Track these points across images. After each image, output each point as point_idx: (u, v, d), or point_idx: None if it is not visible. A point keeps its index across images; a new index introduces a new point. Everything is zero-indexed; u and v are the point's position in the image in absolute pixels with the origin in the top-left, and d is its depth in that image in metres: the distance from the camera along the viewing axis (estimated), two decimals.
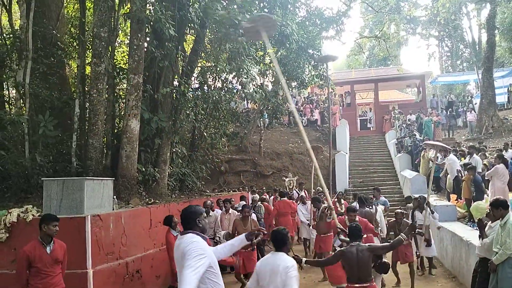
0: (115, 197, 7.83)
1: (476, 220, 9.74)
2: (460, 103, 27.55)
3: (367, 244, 5.32)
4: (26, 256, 5.02)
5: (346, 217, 7.69)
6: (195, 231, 3.59)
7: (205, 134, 13.90)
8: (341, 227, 6.55)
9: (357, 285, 5.02)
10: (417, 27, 39.97)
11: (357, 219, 7.74)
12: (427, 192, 9.55)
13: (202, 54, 11.66)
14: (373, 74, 30.46)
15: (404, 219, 8.74)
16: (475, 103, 25.05)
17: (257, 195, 13.99)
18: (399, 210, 9.31)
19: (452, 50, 42.80)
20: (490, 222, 6.00)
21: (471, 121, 22.81)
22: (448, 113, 24.75)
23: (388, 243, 5.74)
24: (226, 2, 11.15)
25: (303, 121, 24.60)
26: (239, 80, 12.46)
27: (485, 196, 10.63)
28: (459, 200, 12.11)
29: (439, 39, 42.52)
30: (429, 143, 12.77)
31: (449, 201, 12.63)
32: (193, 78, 12.54)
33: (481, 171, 11.72)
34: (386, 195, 14.66)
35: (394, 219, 8.84)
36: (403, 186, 17.55)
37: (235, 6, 11.59)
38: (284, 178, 15.69)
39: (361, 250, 5.04)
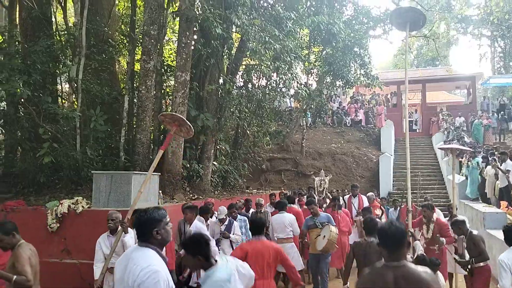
0: (160, 191, 7.99)
1: None
2: None
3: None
4: None
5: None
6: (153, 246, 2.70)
7: (248, 132, 13.96)
8: (412, 231, 6.42)
9: None
10: (468, 26, 38.75)
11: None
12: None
13: (248, 53, 11.70)
14: (420, 74, 29.59)
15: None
16: None
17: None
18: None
19: (505, 50, 41.02)
20: None
21: None
22: (500, 116, 23.72)
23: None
24: (273, 0, 11.17)
25: (347, 121, 24.23)
26: (283, 79, 12.42)
27: None
28: (510, 207, 11.61)
29: (492, 39, 40.92)
30: (444, 146, 12.22)
31: (498, 208, 12.11)
32: (237, 76, 12.63)
33: None
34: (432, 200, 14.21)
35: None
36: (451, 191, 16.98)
37: (282, 4, 11.60)
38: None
39: (370, 245, 4.95)
